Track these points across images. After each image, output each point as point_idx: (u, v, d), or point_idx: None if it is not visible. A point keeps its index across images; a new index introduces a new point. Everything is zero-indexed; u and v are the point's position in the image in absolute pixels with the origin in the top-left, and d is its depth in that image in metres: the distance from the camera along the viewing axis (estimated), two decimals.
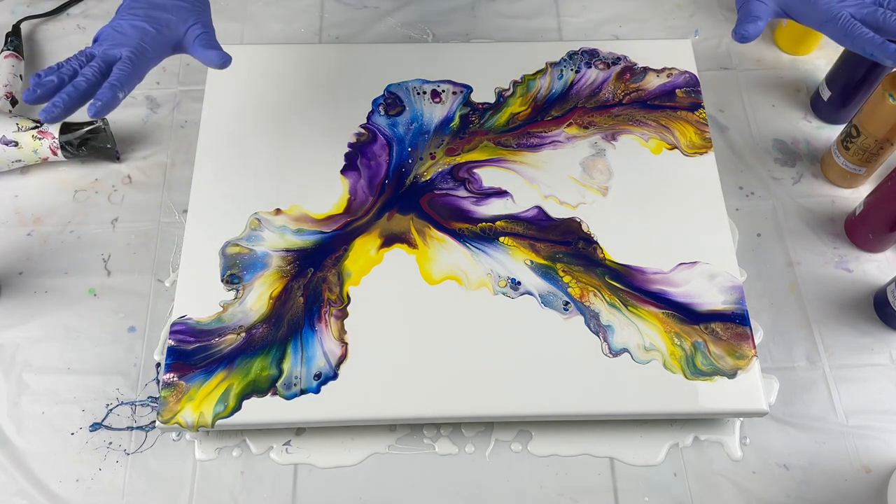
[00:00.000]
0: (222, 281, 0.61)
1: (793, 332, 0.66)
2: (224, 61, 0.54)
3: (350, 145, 0.69)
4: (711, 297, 0.62)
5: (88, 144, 0.69)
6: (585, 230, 0.65)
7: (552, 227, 0.65)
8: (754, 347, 0.60)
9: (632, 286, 0.62)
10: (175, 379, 0.57)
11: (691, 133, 0.70)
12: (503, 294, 0.62)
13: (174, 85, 0.78)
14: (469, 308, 0.61)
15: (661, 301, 0.62)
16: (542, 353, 0.59)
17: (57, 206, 0.70)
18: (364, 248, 0.64)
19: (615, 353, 0.59)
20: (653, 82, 0.73)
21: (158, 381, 0.62)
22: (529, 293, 0.62)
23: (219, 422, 0.56)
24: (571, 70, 0.73)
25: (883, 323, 0.66)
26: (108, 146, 0.70)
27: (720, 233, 0.65)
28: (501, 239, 0.64)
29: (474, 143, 0.69)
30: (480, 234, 0.64)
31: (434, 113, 0.71)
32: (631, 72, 0.73)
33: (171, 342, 0.59)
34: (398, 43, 0.81)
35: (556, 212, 0.66)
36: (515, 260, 0.63)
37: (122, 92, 0.51)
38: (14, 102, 0.72)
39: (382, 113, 0.71)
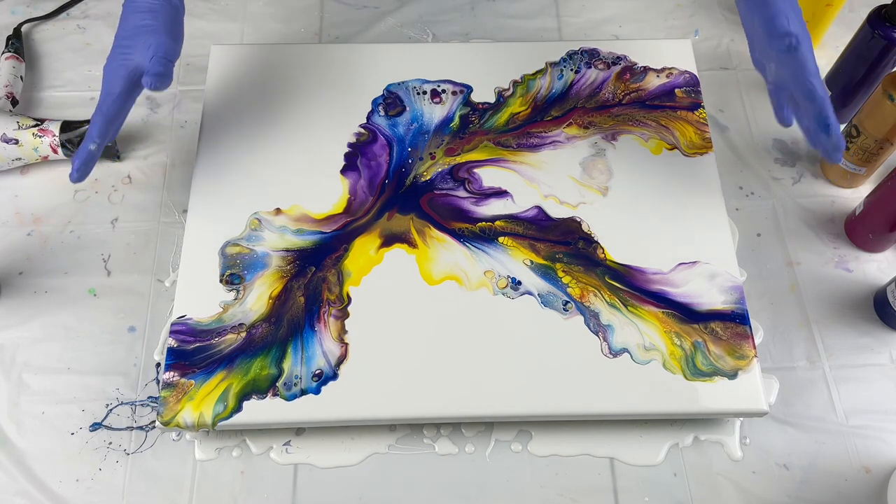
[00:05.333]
0: (221, 281, 0.61)
1: (793, 332, 0.66)
2: (154, 84, 0.56)
3: (350, 145, 0.69)
4: (711, 297, 0.62)
5: None
6: (585, 230, 0.65)
7: (552, 227, 0.65)
8: (754, 347, 0.60)
9: (632, 286, 0.62)
10: (175, 378, 0.57)
11: (691, 133, 0.70)
12: (503, 294, 0.62)
13: (174, 85, 0.77)
14: (469, 308, 0.61)
15: (661, 301, 0.62)
16: (542, 353, 0.59)
17: (57, 206, 0.70)
18: (364, 247, 0.64)
19: (615, 353, 0.59)
20: (653, 82, 0.73)
21: (158, 381, 0.62)
22: (529, 293, 0.62)
23: (219, 423, 0.56)
24: (571, 70, 0.73)
25: (883, 323, 0.66)
26: (109, 144, 0.70)
27: (720, 233, 0.65)
28: (501, 239, 0.64)
29: (474, 143, 0.69)
30: (480, 234, 0.64)
31: (434, 113, 0.71)
32: (631, 72, 0.73)
33: (172, 342, 0.59)
34: (398, 43, 0.81)
35: (556, 212, 0.66)
36: (515, 260, 0.63)
37: (94, 143, 0.57)
38: (15, 103, 0.72)
39: (382, 113, 0.71)
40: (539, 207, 0.66)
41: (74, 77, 0.77)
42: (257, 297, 0.61)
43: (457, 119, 0.70)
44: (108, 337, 0.64)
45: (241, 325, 0.60)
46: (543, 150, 0.69)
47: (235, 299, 0.61)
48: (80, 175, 0.58)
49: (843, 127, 0.72)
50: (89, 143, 0.57)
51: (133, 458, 0.60)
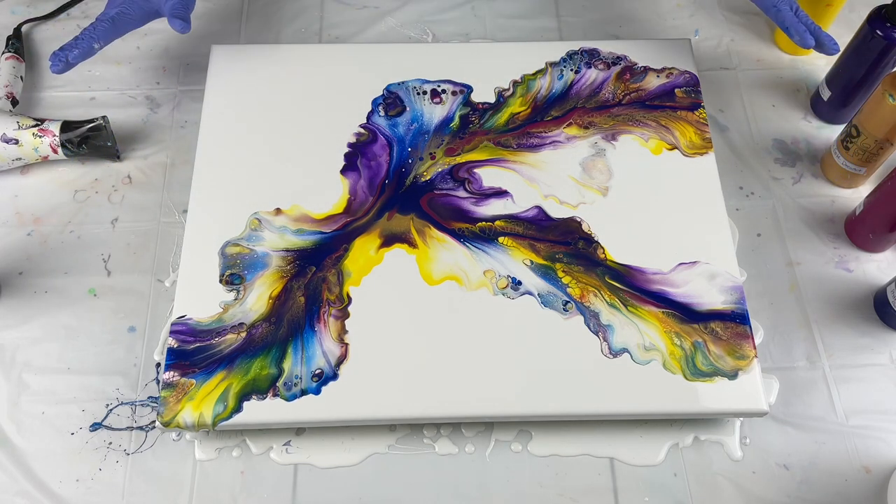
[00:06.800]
0: (221, 281, 0.61)
1: (793, 332, 0.66)
2: (182, 29, 0.65)
3: (350, 145, 0.69)
4: (711, 297, 0.62)
5: (89, 142, 0.69)
6: (586, 230, 0.65)
7: (552, 227, 0.65)
8: (754, 347, 0.60)
9: (632, 286, 0.62)
10: (175, 378, 0.57)
11: (691, 133, 0.70)
12: (503, 294, 0.62)
13: (174, 85, 0.78)
14: (469, 308, 0.61)
15: (661, 301, 0.62)
16: (542, 353, 0.59)
17: (57, 206, 0.70)
18: (364, 247, 0.64)
19: (615, 353, 0.59)
20: (653, 82, 0.73)
21: (158, 381, 0.62)
22: (529, 293, 0.62)
23: (219, 423, 0.56)
24: (571, 70, 0.73)
25: (883, 323, 0.66)
26: (109, 144, 0.70)
27: (720, 233, 0.65)
28: (501, 239, 0.64)
29: (474, 144, 0.69)
30: (480, 234, 0.64)
31: (434, 113, 0.71)
32: (631, 72, 0.73)
33: (172, 342, 0.59)
34: (398, 43, 0.81)
35: (556, 212, 0.66)
36: (515, 260, 0.63)
37: (98, 43, 0.66)
38: (15, 103, 0.72)
39: (382, 113, 0.71)
40: (539, 207, 0.66)
41: (74, 77, 0.77)
42: (257, 297, 0.61)
43: (457, 119, 0.70)
44: (108, 337, 0.64)
45: (241, 325, 0.60)
46: (543, 150, 0.69)
47: (235, 299, 0.61)
48: (69, 65, 0.65)
49: (843, 127, 0.72)
50: (93, 42, 0.65)
51: (133, 458, 0.60)
